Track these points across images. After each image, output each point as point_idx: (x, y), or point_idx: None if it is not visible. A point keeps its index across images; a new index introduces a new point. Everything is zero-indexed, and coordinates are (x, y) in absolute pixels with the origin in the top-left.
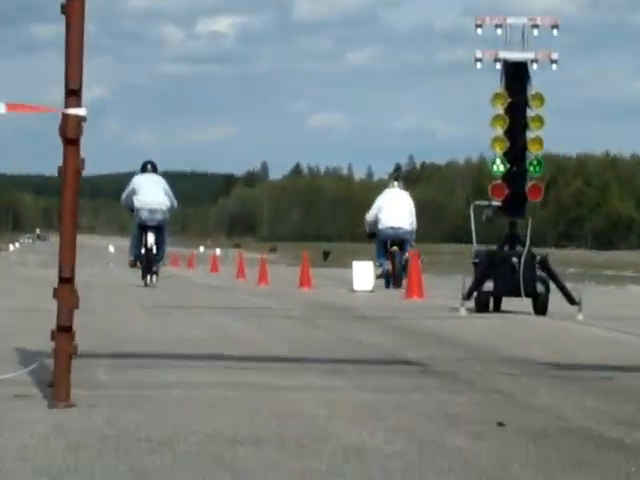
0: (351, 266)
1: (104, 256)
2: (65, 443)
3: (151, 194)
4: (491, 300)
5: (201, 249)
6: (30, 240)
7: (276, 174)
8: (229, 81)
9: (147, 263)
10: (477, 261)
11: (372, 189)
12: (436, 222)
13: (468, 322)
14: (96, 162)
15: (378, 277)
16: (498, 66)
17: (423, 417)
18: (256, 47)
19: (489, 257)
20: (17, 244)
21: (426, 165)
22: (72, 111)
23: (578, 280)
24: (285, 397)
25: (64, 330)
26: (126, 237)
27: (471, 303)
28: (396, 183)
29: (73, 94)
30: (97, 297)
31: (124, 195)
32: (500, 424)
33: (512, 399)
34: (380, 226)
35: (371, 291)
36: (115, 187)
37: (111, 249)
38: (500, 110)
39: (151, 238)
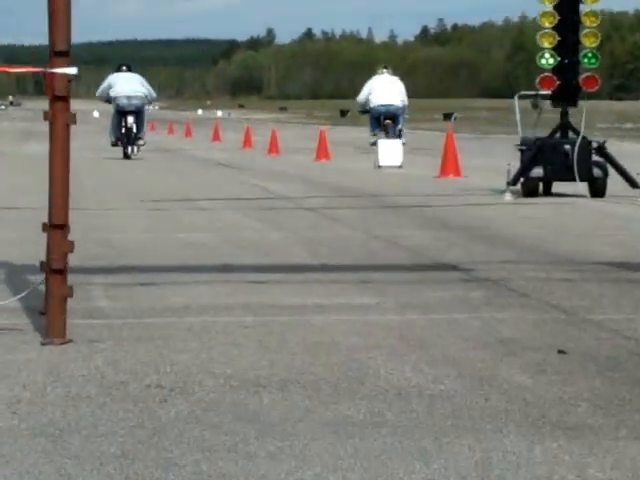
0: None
1: (89, 121)
2: (64, 394)
3: (128, 85)
4: (540, 186)
5: (199, 112)
6: (3, 107)
7: (284, 39)
8: None
9: (128, 139)
10: (524, 148)
11: (396, 52)
12: (471, 81)
13: (515, 210)
14: (77, 30)
15: (372, 144)
16: None
17: (472, 344)
18: None
19: (538, 144)
20: None
21: (458, 27)
22: (61, 70)
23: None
24: (313, 323)
25: (57, 272)
26: (110, 103)
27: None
28: (385, 70)
29: (61, 55)
30: (86, 186)
31: (99, 90)
32: (561, 352)
33: (573, 316)
34: (372, 105)
35: (399, 167)
36: (97, 55)
37: (96, 114)
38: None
39: (131, 119)
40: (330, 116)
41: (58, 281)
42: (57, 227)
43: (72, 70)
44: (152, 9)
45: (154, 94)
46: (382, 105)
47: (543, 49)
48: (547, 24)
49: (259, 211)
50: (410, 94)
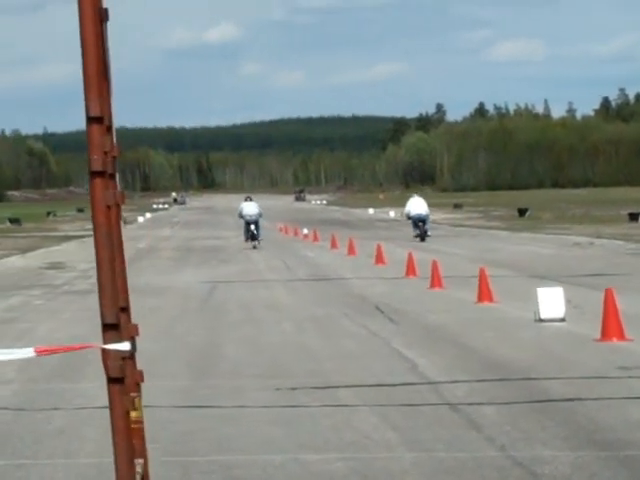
0: (553, 228)
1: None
2: None
3: (250, 209)
4: None
5: (370, 211)
6: (166, 206)
7: (455, 116)
8: (391, 10)
9: (252, 238)
10: None
11: (574, 130)
12: None
13: None
14: (237, 110)
15: (415, 237)
16: None
17: None
18: None
19: None
20: (148, 214)
21: None
22: (112, 346)
23: None
24: None
25: None
26: (283, 194)
27: None
28: (415, 195)
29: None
30: (227, 356)
31: (238, 213)
32: None
33: None
34: (411, 214)
35: (562, 319)
36: (260, 138)
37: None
38: None
39: (252, 227)
40: (507, 216)
41: None
42: None
43: (124, 345)
44: (316, 81)
45: (262, 212)
46: (417, 214)
47: None
48: None
49: (398, 409)
50: (593, 182)
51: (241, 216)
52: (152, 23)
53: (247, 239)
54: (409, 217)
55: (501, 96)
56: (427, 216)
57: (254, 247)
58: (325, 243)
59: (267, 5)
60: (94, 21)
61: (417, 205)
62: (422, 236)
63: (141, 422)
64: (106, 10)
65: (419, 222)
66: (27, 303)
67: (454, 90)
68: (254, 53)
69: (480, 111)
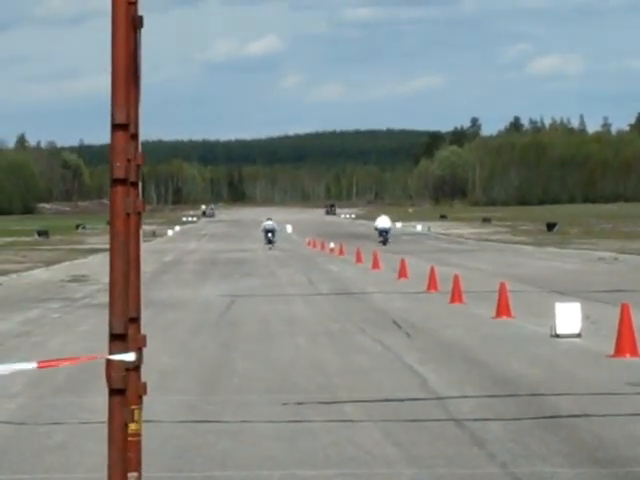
0: (580, 243)
1: (281, 240)
2: None
3: (269, 223)
4: None
5: (398, 225)
6: (195, 219)
7: (490, 130)
8: (430, 25)
9: (269, 243)
10: None
11: (609, 145)
12: None
13: None
14: (272, 123)
15: (379, 242)
16: None
17: None
18: None
19: None
20: (177, 227)
21: None
22: (117, 357)
23: None
24: None
25: None
26: (314, 208)
27: None
28: (382, 214)
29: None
30: (238, 370)
31: (261, 229)
32: None
33: None
34: (378, 227)
35: (578, 334)
36: (294, 151)
37: (289, 229)
38: None
39: (270, 234)
40: (535, 230)
41: None
42: None
43: (129, 356)
44: (352, 94)
45: (278, 227)
46: (382, 227)
47: None
48: None
49: (402, 425)
50: (624, 197)
51: (263, 229)
52: (194, 36)
53: (266, 243)
54: (376, 229)
55: (537, 111)
56: (389, 229)
57: (269, 249)
58: (350, 257)
59: (312, 18)
60: (125, 27)
61: (382, 221)
62: (384, 242)
63: (139, 435)
64: (141, 18)
65: (383, 232)
66: (44, 316)
67: (490, 104)
68: (293, 67)
69: (515, 125)
